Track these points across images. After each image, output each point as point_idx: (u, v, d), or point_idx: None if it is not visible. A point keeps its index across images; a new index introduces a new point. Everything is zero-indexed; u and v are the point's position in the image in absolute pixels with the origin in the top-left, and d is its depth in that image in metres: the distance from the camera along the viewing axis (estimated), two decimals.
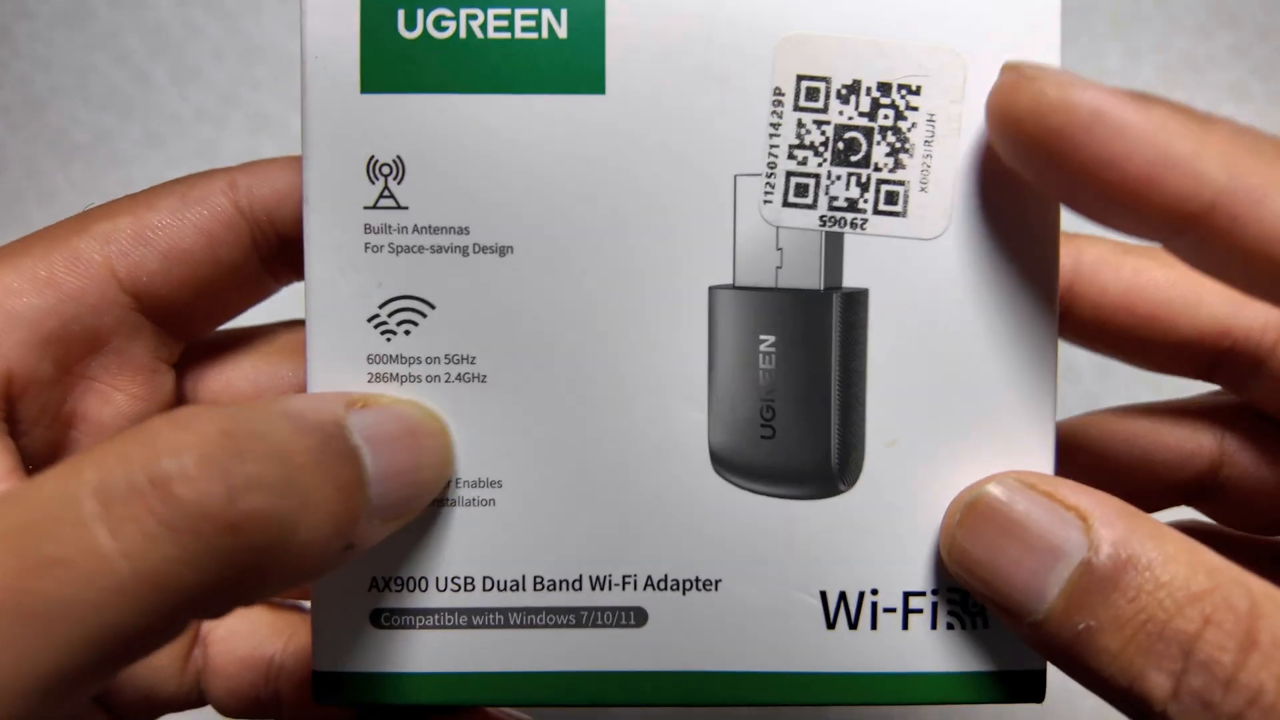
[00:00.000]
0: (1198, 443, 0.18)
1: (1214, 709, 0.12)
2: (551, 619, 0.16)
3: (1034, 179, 0.14)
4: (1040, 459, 0.15)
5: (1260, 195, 0.12)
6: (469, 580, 0.16)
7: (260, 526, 0.11)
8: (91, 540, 0.11)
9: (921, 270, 0.15)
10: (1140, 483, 0.18)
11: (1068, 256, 0.18)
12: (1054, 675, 0.15)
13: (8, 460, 0.15)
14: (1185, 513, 0.20)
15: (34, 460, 0.16)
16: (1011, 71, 0.14)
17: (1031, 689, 0.16)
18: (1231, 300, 0.17)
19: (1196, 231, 0.13)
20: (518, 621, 0.16)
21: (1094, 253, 0.18)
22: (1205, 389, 0.19)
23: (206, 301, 0.17)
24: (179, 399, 0.18)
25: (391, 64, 0.15)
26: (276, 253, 0.17)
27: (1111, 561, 0.13)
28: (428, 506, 0.16)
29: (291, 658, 0.18)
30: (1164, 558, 0.13)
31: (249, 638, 0.18)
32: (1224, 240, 0.12)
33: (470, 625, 0.16)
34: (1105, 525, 0.13)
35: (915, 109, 0.15)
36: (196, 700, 0.18)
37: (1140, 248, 0.17)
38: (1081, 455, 0.18)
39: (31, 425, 0.16)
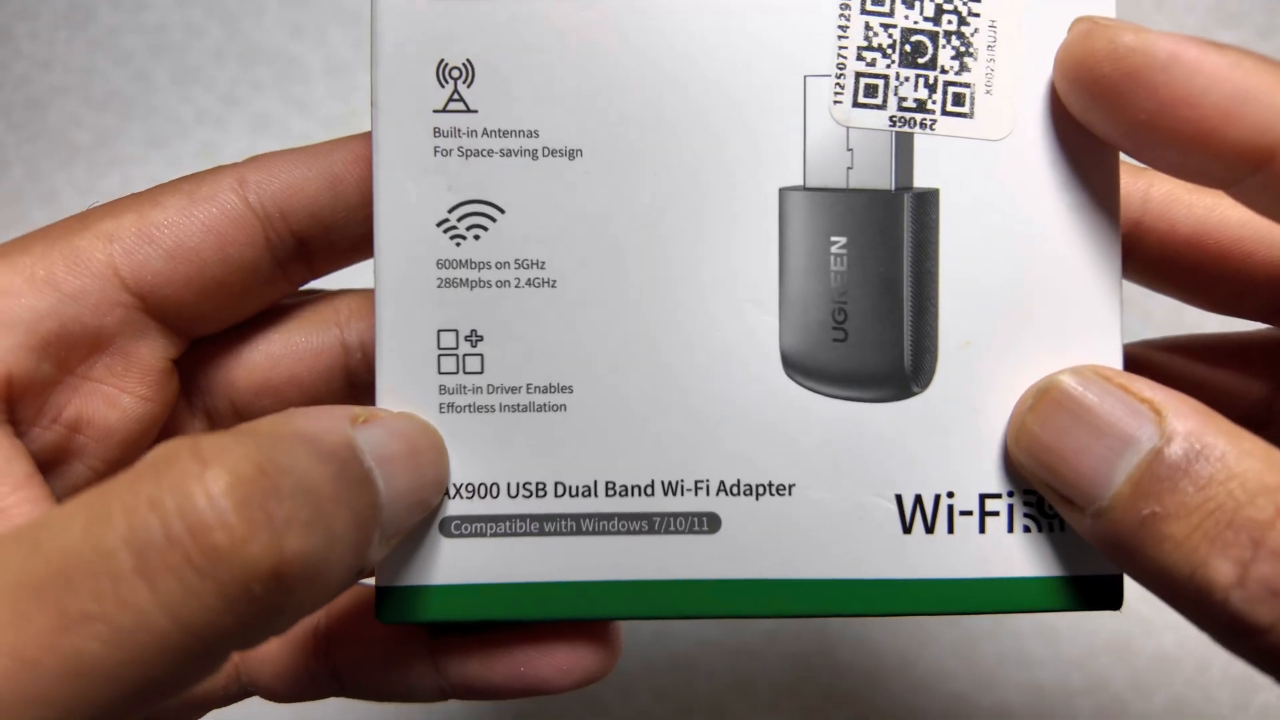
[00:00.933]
0: (1254, 374, 0.18)
1: None
2: (624, 525, 0.15)
3: (1109, 126, 0.14)
4: (1110, 359, 0.15)
5: None
6: (540, 486, 0.15)
7: (301, 570, 0.11)
8: (130, 596, 0.10)
9: (989, 171, 0.15)
10: None
11: (1136, 192, 0.18)
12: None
13: (24, 465, 0.14)
14: None
15: (38, 463, 0.15)
16: (1085, 22, 0.14)
17: (1110, 596, 0.16)
18: None
19: (1271, 167, 0.13)
20: (590, 528, 0.15)
21: (1164, 189, 0.18)
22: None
23: (215, 301, 0.16)
24: (191, 386, 0.17)
25: None
26: (290, 251, 0.17)
27: (1184, 452, 0.13)
28: (505, 411, 0.15)
29: (339, 623, 0.17)
30: (1239, 452, 0.13)
31: None
32: None
33: (542, 532, 0.15)
34: (1179, 418, 0.13)
35: (977, 15, 0.15)
36: (239, 693, 0.18)
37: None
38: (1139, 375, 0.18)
39: (32, 427, 0.15)
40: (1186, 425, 0.13)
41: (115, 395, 0.16)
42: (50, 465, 0.15)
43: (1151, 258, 0.18)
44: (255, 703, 0.18)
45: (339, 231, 0.17)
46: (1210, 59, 0.13)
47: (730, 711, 0.29)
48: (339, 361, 0.17)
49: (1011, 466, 0.15)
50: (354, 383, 0.18)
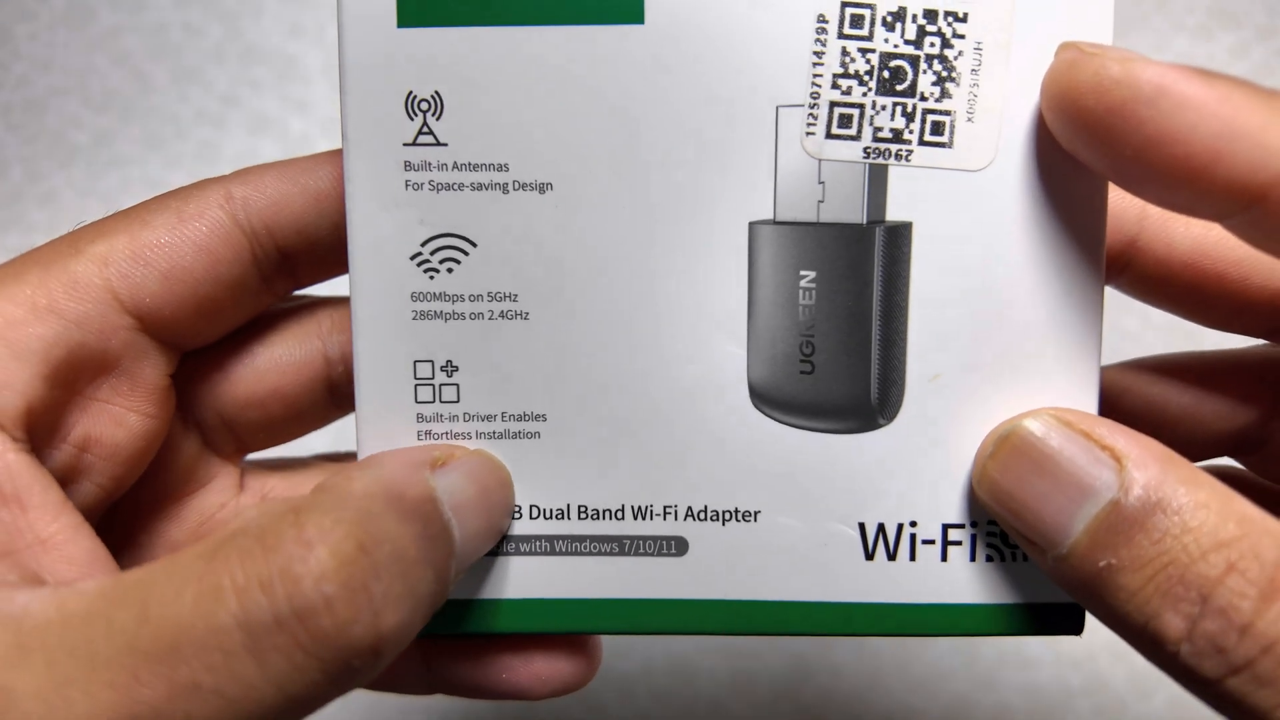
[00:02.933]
0: (1248, 393, 0.18)
1: (1226, 653, 0.12)
2: (595, 547, 0.16)
3: (1094, 159, 0.14)
4: (1084, 397, 0.15)
5: None
6: (515, 509, 0.16)
7: (393, 641, 0.12)
8: (241, 672, 0.11)
9: (967, 203, 0.15)
10: (1186, 431, 0.18)
11: (1133, 208, 0.17)
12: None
13: (56, 492, 0.15)
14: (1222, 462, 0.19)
15: None
16: (1070, 49, 0.14)
17: (1070, 622, 0.16)
18: None
19: (1263, 205, 0.12)
20: (563, 549, 0.16)
21: None
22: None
23: (206, 318, 0.17)
24: (181, 400, 0.18)
25: None
26: (276, 265, 0.17)
27: (1140, 503, 0.13)
28: (480, 439, 0.16)
29: None
30: (1195, 504, 0.13)
31: None
32: None
33: (516, 553, 0.16)
34: (1139, 467, 0.13)
35: (962, 37, 0.15)
36: None
37: None
38: (1129, 399, 0.18)
39: (44, 450, 0.16)
40: (1146, 474, 0.13)
41: (122, 414, 0.16)
42: (61, 484, 0.16)
43: (1147, 275, 0.17)
44: None
45: (323, 246, 0.17)
46: (1198, 93, 0.12)
47: (730, 711, 0.30)
48: (321, 373, 0.18)
49: (975, 500, 0.16)
50: (336, 394, 0.18)
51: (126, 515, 0.17)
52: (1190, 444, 0.18)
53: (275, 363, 0.18)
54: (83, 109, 0.32)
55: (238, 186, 0.16)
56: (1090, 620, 0.29)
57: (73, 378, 0.16)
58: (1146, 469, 0.13)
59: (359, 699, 0.31)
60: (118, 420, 0.16)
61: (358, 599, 0.12)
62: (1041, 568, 0.14)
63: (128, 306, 0.16)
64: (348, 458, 0.20)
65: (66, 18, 0.32)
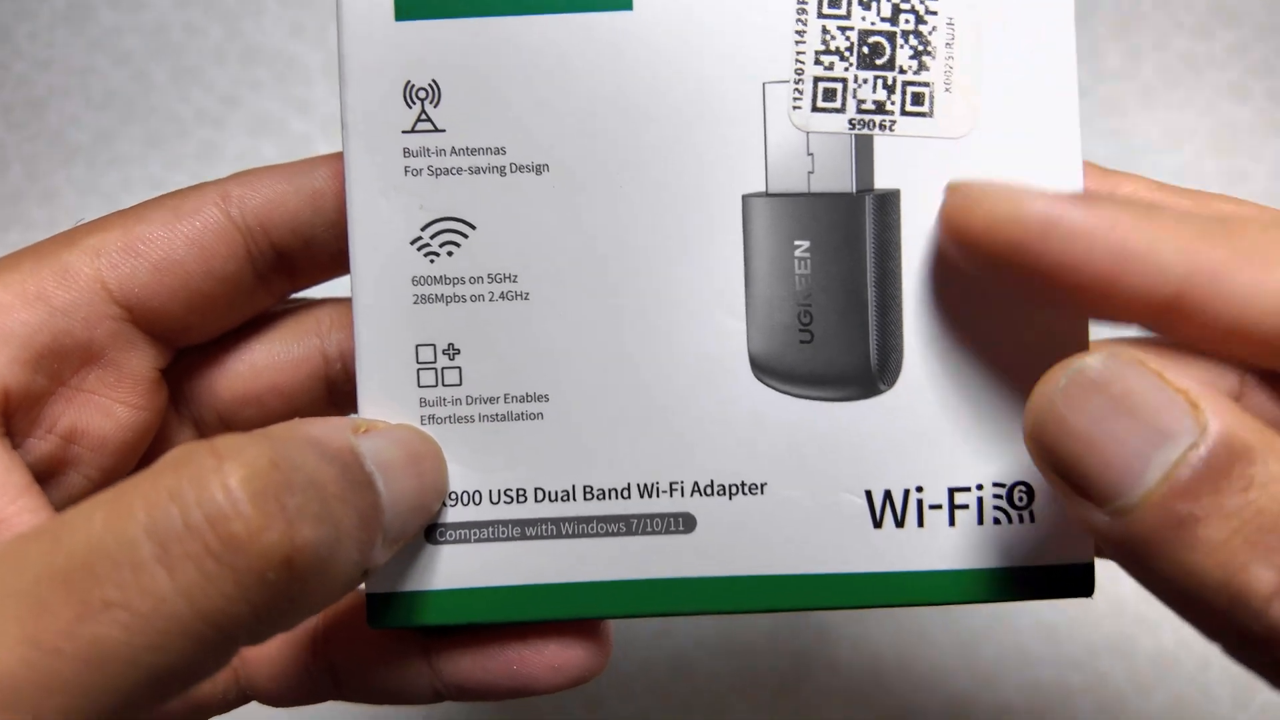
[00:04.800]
0: (1216, 375, 0.18)
1: None
2: (602, 527, 0.16)
3: (1001, 286, 0.14)
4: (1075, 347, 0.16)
5: (1221, 277, 0.12)
6: (521, 492, 0.16)
7: (312, 559, 0.12)
8: (151, 583, 0.11)
9: (950, 170, 0.16)
10: None
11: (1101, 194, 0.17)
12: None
13: (22, 475, 0.15)
14: None
15: (35, 473, 0.16)
16: (958, 192, 0.14)
17: (1081, 583, 0.16)
18: None
19: (1169, 317, 0.13)
20: (569, 531, 0.16)
21: (1129, 188, 0.17)
22: None
23: (200, 313, 0.17)
24: (178, 396, 0.18)
25: None
26: (272, 264, 0.17)
27: (1224, 449, 0.12)
28: (484, 421, 0.16)
29: (335, 624, 0.18)
30: (1276, 454, 0.12)
31: None
32: (1197, 321, 0.13)
33: (524, 536, 0.16)
34: (1215, 414, 0.12)
35: (934, 13, 0.16)
36: (237, 698, 0.18)
37: (1173, 189, 0.17)
38: None
39: (28, 438, 0.16)
40: (1223, 422, 0.12)
41: (109, 405, 0.16)
42: (47, 475, 0.16)
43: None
44: (253, 708, 0.19)
45: (319, 245, 0.17)
46: (1086, 221, 0.13)
47: (730, 711, 0.29)
48: (319, 371, 0.18)
49: (982, 460, 0.16)
50: (334, 392, 0.18)
51: None
52: None
53: (273, 359, 0.18)
54: (83, 108, 0.32)
55: (235, 186, 0.17)
56: (1089, 619, 0.29)
57: (57, 366, 0.16)
58: (1222, 416, 0.12)
59: (353, 711, 0.30)
60: (104, 411, 0.16)
61: (269, 506, 0.11)
62: (1087, 523, 0.13)
63: (117, 297, 0.16)
64: None
65: (67, 17, 0.33)
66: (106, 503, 0.11)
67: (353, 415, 0.15)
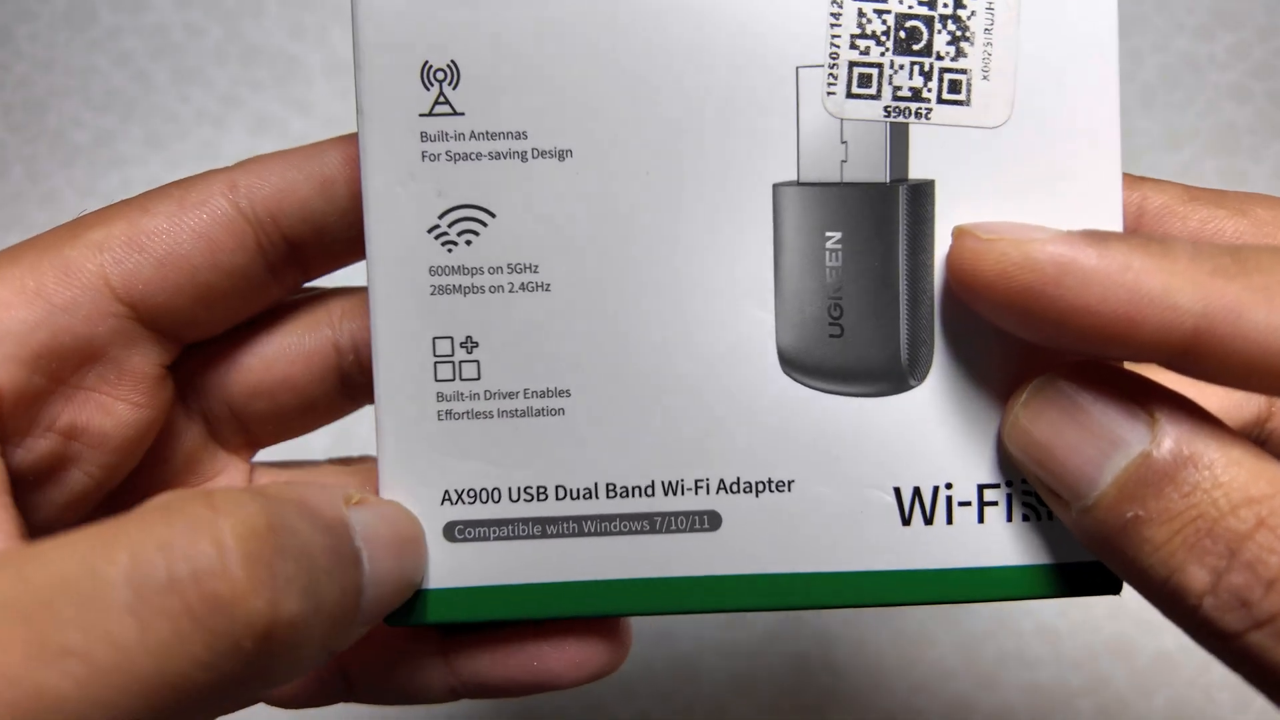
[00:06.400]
0: (1245, 395, 0.18)
1: (1250, 607, 0.12)
2: (625, 526, 0.16)
3: (1016, 331, 0.14)
4: None
5: (1237, 314, 0.12)
6: (541, 490, 0.16)
7: (288, 632, 0.11)
8: (118, 634, 0.10)
9: (987, 160, 0.15)
10: None
11: (1130, 204, 0.17)
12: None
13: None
14: None
15: (33, 474, 0.15)
16: (967, 236, 0.14)
17: (1109, 581, 0.16)
18: None
19: (1188, 357, 0.13)
20: (591, 529, 0.16)
21: (1159, 201, 0.17)
22: None
23: (208, 307, 0.16)
24: (187, 390, 0.17)
25: None
26: (283, 255, 0.16)
27: (1172, 456, 0.13)
28: (503, 417, 0.15)
29: None
30: (1227, 460, 0.13)
31: None
32: (1215, 359, 0.13)
33: (544, 535, 0.16)
34: (1171, 421, 0.13)
35: None
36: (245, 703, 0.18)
37: (1208, 194, 0.17)
38: None
39: (26, 437, 0.15)
40: (1177, 429, 0.13)
41: (109, 403, 0.16)
42: (48, 473, 0.16)
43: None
44: (259, 709, 0.18)
45: (331, 234, 0.17)
46: (1099, 265, 0.13)
47: (730, 711, 0.29)
48: (332, 363, 0.17)
49: (1006, 456, 0.15)
50: (347, 384, 0.18)
51: (128, 506, 0.17)
52: None
53: (284, 351, 0.17)
54: (84, 109, 0.32)
55: (242, 175, 0.16)
56: (1089, 620, 0.29)
57: (55, 364, 0.15)
58: (1179, 424, 0.13)
59: (360, 712, 0.29)
60: (105, 409, 0.16)
61: (259, 573, 0.11)
62: (1066, 523, 0.14)
63: (120, 293, 0.15)
64: (360, 461, 0.19)
65: (67, 18, 0.32)
66: (86, 539, 0.11)
67: (345, 486, 0.15)
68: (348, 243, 0.17)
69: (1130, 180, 0.17)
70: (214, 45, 0.32)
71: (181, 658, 0.10)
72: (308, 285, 0.18)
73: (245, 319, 0.17)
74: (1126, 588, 0.16)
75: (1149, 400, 0.13)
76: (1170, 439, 0.13)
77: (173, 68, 0.32)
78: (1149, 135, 0.31)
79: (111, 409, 0.16)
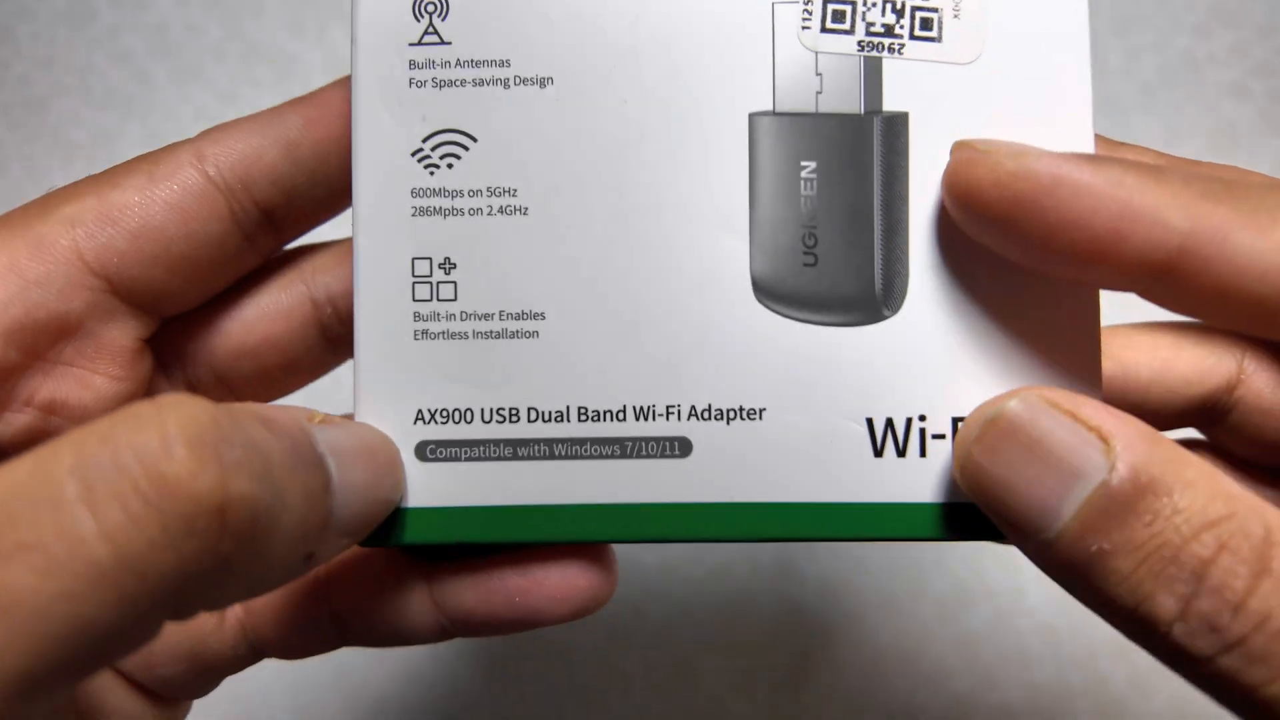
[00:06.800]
0: (1217, 358, 0.18)
1: (1220, 631, 0.12)
2: (596, 449, 0.16)
3: (1002, 247, 0.14)
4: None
5: (1223, 235, 0.13)
6: (514, 411, 0.16)
7: (246, 514, 0.11)
8: (70, 523, 0.10)
9: (958, 96, 0.15)
10: (1156, 397, 0.18)
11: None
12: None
13: None
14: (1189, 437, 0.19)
15: (13, 449, 0.15)
16: (964, 149, 0.14)
17: None
18: None
19: (1169, 278, 0.13)
20: (562, 452, 0.16)
21: (1133, 157, 0.17)
22: None
23: (184, 278, 0.16)
24: (170, 360, 0.17)
25: None
26: (257, 221, 0.17)
27: (1131, 485, 0.13)
28: (478, 338, 0.16)
29: (336, 566, 0.17)
30: (1183, 483, 0.13)
31: None
32: (1196, 282, 0.13)
33: (516, 456, 0.16)
34: (1126, 448, 0.13)
35: None
36: (248, 654, 0.17)
37: (1183, 162, 0.17)
38: (1104, 361, 0.18)
39: (4, 412, 0.15)
40: (1133, 455, 0.13)
41: (87, 377, 0.16)
42: (28, 447, 0.16)
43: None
44: (264, 664, 0.18)
45: (300, 196, 0.17)
46: (1092, 179, 0.13)
47: (731, 709, 0.29)
48: (311, 318, 0.18)
49: (988, 388, 0.15)
50: (330, 337, 0.18)
51: None
52: (1159, 413, 0.18)
53: (263, 312, 0.17)
54: (83, 107, 0.32)
55: (208, 144, 0.16)
56: (1089, 620, 0.29)
57: (30, 339, 0.15)
58: (1133, 449, 0.13)
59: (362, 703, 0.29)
60: (84, 383, 0.16)
61: (204, 453, 0.11)
62: (1023, 551, 0.14)
63: (94, 267, 0.16)
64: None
65: (67, 16, 0.33)
66: (36, 450, 0.11)
67: (309, 409, 0.15)
68: (317, 203, 0.17)
69: (1104, 142, 0.17)
70: (214, 44, 0.32)
71: (139, 541, 0.10)
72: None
73: (224, 287, 0.17)
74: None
75: (1102, 423, 0.13)
76: (1127, 466, 0.13)
77: (172, 66, 0.32)
78: (1149, 133, 0.31)
79: (90, 383, 0.16)
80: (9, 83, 0.33)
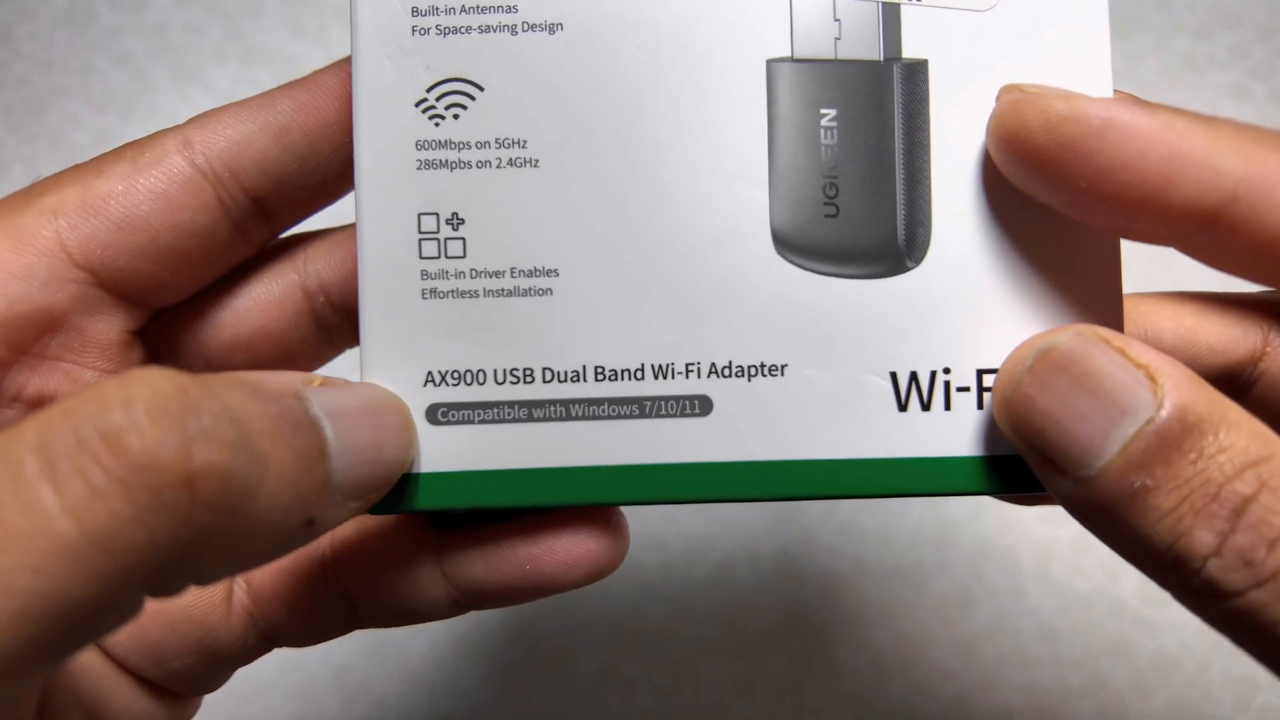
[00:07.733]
0: (1243, 330, 0.18)
1: (1254, 566, 0.12)
2: (614, 410, 0.15)
3: (1049, 193, 0.14)
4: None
5: (1276, 182, 0.12)
6: (528, 372, 0.15)
7: (217, 483, 0.11)
8: (32, 498, 0.10)
9: (977, 43, 0.15)
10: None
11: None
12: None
13: None
14: None
15: None
16: (1014, 91, 0.14)
17: None
18: None
19: (1219, 226, 0.13)
20: (579, 413, 0.15)
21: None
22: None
23: (172, 270, 0.16)
24: (162, 353, 0.17)
25: None
26: (247, 211, 0.16)
27: (1178, 423, 0.13)
28: (488, 296, 0.15)
29: (344, 547, 0.17)
30: (1227, 424, 0.13)
31: None
32: (1246, 230, 0.13)
33: (530, 418, 0.15)
34: (1174, 387, 0.13)
35: None
36: (258, 643, 0.17)
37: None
38: (1129, 328, 0.18)
39: None
40: (1180, 394, 0.13)
41: (75, 371, 0.15)
42: None
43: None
44: (276, 654, 0.18)
45: (292, 183, 0.16)
46: (1144, 122, 0.13)
47: (731, 711, 0.29)
48: (304, 307, 0.17)
49: (1012, 339, 0.15)
50: (323, 326, 0.17)
51: None
52: None
53: (255, 302, 0.17)
54: (83, 109, 0.32)
55: (195, 131, 0.16)
56: (1090, 621, 0.29)
57: (14, 333, 0.15)
58: (1181, 389, 0.13)
59: (362, 701, 0.28)
60: (71, 377, 0.15)
61: (167, 423, 0.10)
62: (1051, 490, 0.14)
63: (78, 259, 0.15)
64: None
65: (67, 17, 0.32)
66: (1, 432, 0.10)
67: (309, 374, 0.14)
68: (311, 191, 0.16)
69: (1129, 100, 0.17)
70: (214, 45, 0.32)
71: (104, 515, 0.10)
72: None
73: (216, 278, 0.17)
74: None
75: (1150, 361, 0.13)
76: (1174, 404, 0.13)
77: (173, 67, 0.32)
78: None
79: (78, 377, 0.15)
80: (9, 83, 0.32)
